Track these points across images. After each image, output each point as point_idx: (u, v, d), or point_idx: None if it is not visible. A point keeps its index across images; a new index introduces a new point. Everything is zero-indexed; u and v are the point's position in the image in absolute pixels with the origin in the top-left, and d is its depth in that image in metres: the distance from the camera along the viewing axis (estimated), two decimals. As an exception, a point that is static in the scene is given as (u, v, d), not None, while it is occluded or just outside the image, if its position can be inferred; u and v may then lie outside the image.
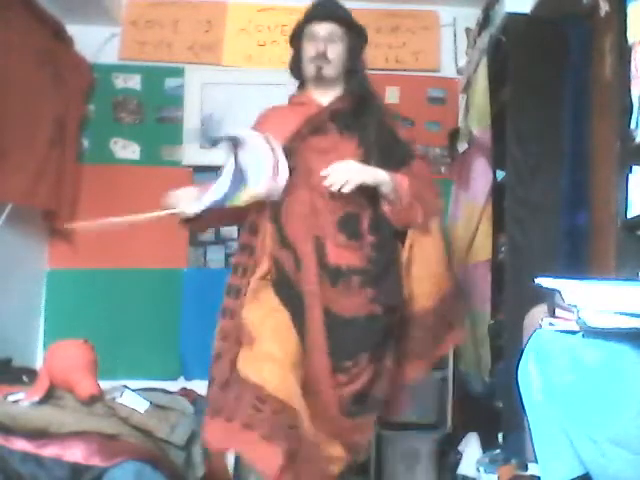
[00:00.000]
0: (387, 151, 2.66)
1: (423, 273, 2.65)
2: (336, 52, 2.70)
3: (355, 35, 2.75)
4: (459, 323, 2.80)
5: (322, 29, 2.70)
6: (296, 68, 2.77)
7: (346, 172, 2.53)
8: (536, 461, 1.82)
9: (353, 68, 2.74)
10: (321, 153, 2.62)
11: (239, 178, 2.53)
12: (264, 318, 2.48)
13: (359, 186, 2.54)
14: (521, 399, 1.84)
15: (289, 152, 2.54)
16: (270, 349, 2.43)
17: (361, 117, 2.69)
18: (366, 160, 2.59)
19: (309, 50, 2.71)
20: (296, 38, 2.76)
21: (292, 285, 2.55)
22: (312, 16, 2.73)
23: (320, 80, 2.72)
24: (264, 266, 2.55)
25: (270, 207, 2.57)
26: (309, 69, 2.72)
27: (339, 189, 2.51)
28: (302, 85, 2.81)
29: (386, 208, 2.61)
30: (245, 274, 2.59)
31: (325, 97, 2.74)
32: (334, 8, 2.75)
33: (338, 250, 2.55)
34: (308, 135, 2.64)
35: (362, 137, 2.65)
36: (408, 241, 2.64)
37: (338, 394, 2.54)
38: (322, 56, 2.68)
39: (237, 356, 2.46)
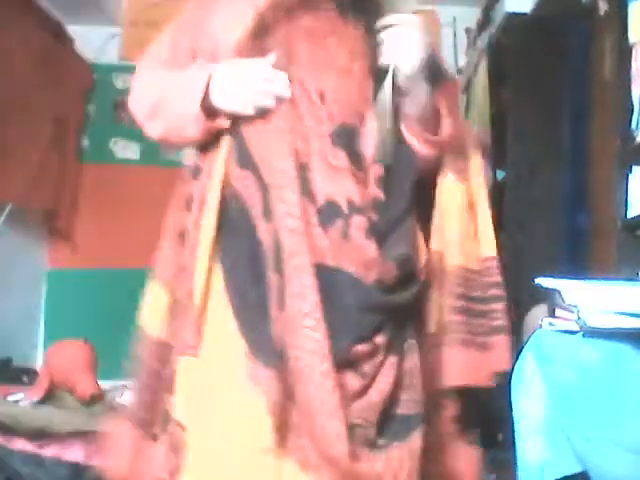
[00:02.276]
0: None
1: (460, 231, 1.77)
2: None
3: None
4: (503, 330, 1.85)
5: None
6: None
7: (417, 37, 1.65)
8: (535, 461, 1.82)
9: None
10: (312, 36, 1.70)
11: None
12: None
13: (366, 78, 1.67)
14: (520, 399, 1.84)
15: (263, 29, 1.67)
16: None
17: None
18: (375, 57, 1.68)
19: None
20: None
21: (252, 229, 1.58)
22: None
23: None
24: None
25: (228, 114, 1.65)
26: None
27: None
28: None
29: (410, 122, 1.66)
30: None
31: None
32: None
33: (331, 175, 1.59)
34: (294, 8, 1.70)
35: (372, 23, 1.71)
36: (440, 191, 1.72)
37: (344, 413, 1.47)
38: None
39: None
